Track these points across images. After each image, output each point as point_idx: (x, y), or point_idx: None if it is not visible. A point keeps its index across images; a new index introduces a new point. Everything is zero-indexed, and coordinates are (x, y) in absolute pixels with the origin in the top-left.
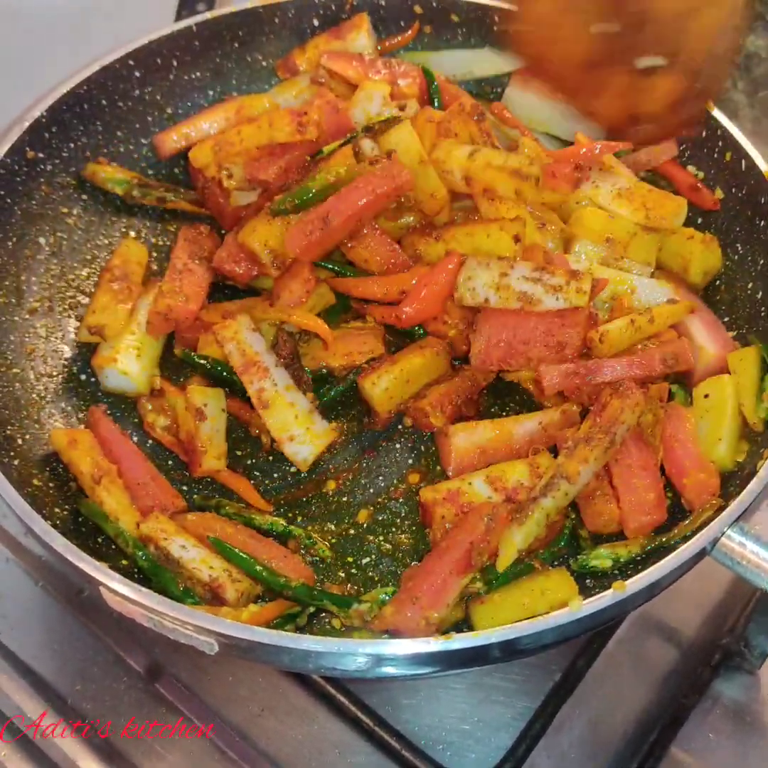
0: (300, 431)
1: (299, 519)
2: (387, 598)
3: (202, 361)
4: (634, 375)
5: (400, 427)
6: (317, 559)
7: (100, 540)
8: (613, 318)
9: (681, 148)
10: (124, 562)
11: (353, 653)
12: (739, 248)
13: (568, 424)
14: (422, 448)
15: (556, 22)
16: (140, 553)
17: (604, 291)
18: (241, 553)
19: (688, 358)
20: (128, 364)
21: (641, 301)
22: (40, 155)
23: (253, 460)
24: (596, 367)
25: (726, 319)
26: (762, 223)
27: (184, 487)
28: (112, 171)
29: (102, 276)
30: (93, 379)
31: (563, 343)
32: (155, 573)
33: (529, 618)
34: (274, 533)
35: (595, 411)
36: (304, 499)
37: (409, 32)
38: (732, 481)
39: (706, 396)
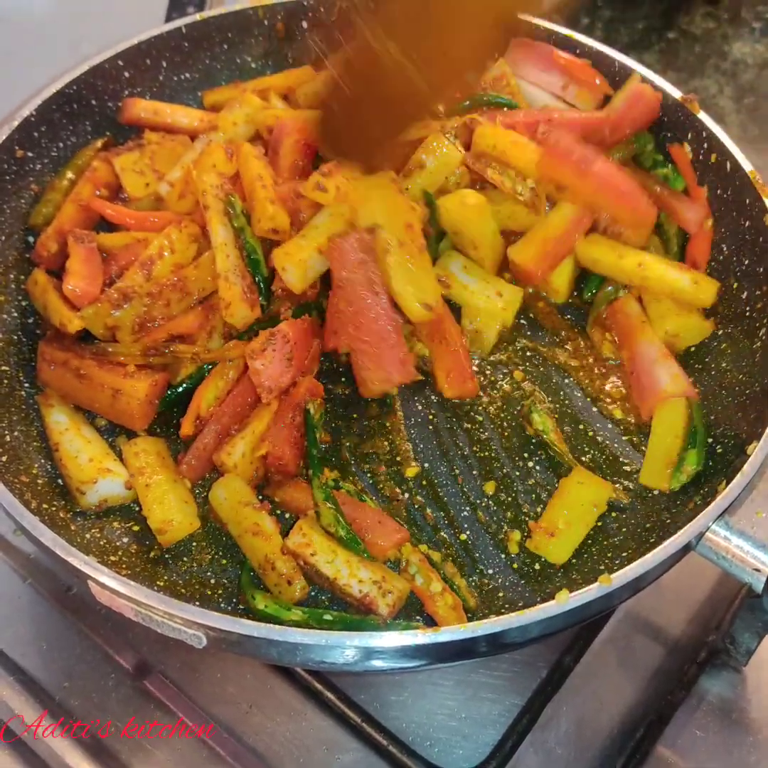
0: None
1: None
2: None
3: None
4: None
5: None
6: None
7: (88, 536)
8: None
9: (665, 152)
10: (112, 558)
11: (341, 646)
12: (724, 249)
13: None
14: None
15: None
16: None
17: None
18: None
19: None
20: None
21: None
22: (30, 154)
23: None
24: None
25: (710, 319)
26: (747, 223)
27: None
28: None
29: None
30: None
31: None
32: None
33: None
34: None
35: None
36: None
37: None
38: (716, 476)
39: None
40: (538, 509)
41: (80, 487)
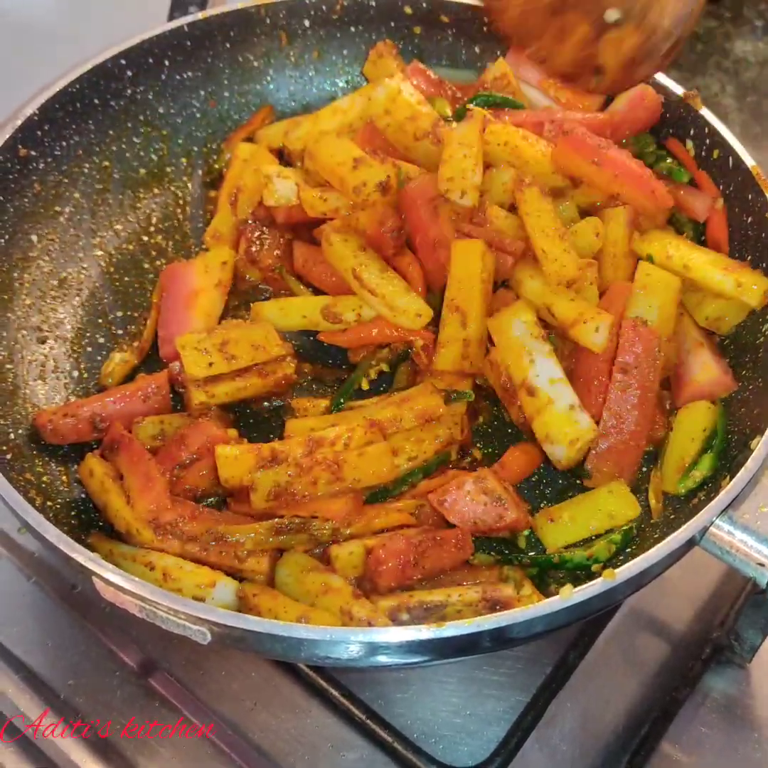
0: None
1: None
2: None
3: None
4: None
5: None
6: None
7: (93, 532)
8: None
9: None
10: None
11: (345, 641)
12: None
13: None
14: None
15: None
16: None
17: None
18: None
19: None
20: None
21: None
22: (33, 153)
23: None
24: None
25: None
26: (749, 219)
27: None
28: None
29: None
30: (85, 376)
31: None
32: None
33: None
34: None
35: None
36: None
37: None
38: (720, 471)
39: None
40: (542, 505)
41: (197, 594)
